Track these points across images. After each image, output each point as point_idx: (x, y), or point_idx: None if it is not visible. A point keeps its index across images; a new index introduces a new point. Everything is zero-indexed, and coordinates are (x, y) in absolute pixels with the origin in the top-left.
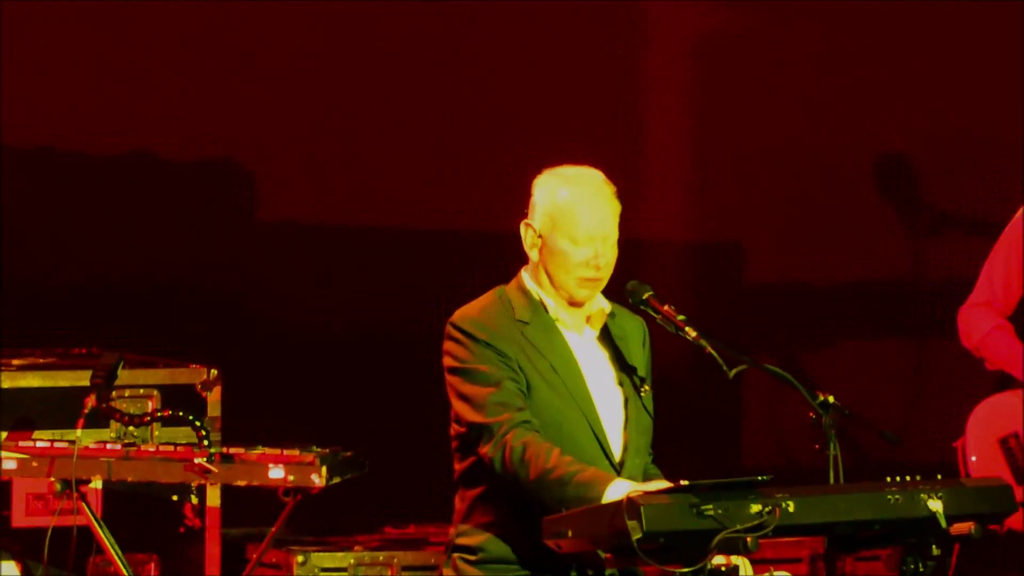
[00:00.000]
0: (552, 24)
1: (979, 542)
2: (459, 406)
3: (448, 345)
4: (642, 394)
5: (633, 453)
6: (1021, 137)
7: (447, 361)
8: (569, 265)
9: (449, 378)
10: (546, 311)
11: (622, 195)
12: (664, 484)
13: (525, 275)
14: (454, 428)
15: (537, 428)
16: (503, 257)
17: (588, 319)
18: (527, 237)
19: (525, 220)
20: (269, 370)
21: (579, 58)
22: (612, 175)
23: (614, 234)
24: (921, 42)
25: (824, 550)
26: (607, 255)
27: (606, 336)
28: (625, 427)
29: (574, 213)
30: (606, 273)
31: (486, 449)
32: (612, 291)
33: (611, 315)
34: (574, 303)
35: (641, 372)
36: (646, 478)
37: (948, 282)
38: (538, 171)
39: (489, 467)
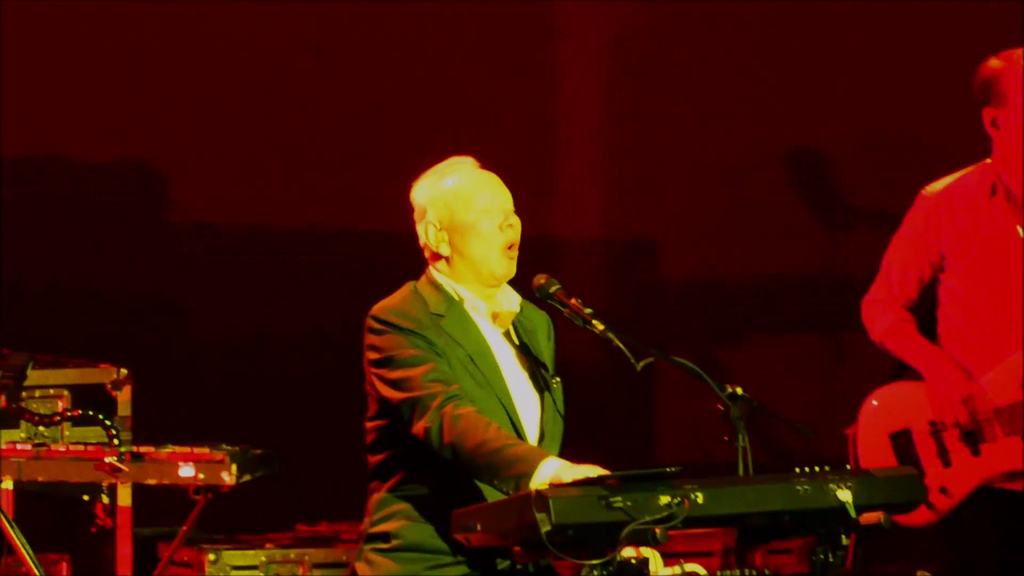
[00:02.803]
0: (465, 20)
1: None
2: (388, 391)
3: (372, 339)
4: (552, 387)
5: (549, 442)
6: (933, 131)
7: (371, 354)
8: (484, 235)
9: (375, 370)
10: (460, 303)
11: (535, 191)
12: (594, 468)
13: (434, 272)
14: (371, 422)
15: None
16: (413, 256)
17: (498, 316)
18: (431, 236)
19: (421, 223)
20: (180, 370)
21: (492, 55)
22: (525, 172)
23: (511, 198)
24: (834, 37)
25: (735, 542)
26: (515, 217)
27: (515, 330)
28: (541, 418)
29: (470, 192)
30: (518, 235)
31: (422, 422)
32: (519, 285)
33: (520, 310)
34: (494, 284)
35: (549, 366)
36: None
37: (862, 276)
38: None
39: (424, 439)
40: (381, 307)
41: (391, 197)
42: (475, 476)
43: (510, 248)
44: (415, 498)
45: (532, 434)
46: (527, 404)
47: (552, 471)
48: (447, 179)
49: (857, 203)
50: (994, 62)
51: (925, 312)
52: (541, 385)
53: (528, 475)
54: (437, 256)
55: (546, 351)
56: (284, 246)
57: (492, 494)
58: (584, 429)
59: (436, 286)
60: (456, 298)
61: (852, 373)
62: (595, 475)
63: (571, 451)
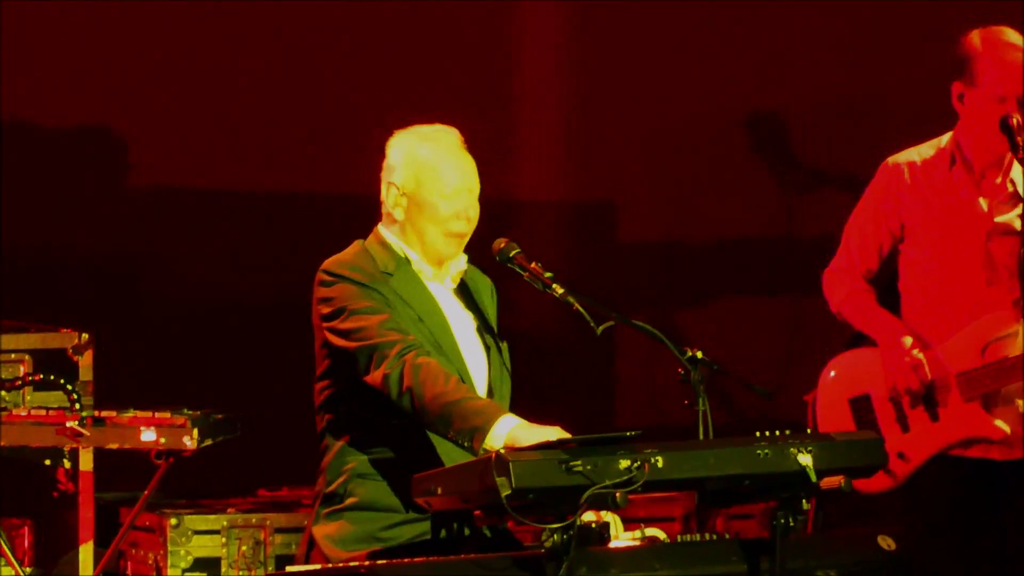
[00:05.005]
0: None
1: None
2: (342, 341)
3: (324, 291)
4: (500, 346)
5: (498, 400)
6: (893, 94)
7: (324, 307)
8: (439, 219)
9: (328, 323)
10: (408, 263)
11: (495, 155)
12: (554, 430)
13: (384, 231)
14: (322, 381)
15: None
16: (373, 220)
17: (445, 276)
18: (390, 196)
19: (386, 180)
20: (142, 335)
21: (450, 16)
22: (484, 134)
23: (479, 187)
24: (795, 1)
25: (696, 506)
26: (475, 207)
27: (461, 289)
28: (489, 376)
29: (439, 168)
30: (473, 227)
31: (380, 370)
32: (477, 250)
33: (465, 269)
34: (440, 261)
35: (495, 325)
36: None
37: (822, 239)
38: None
39: (381, 387)
40: (332, 261)
41: (351, 161)
42: (430, 426)
43: (460, 235)
44: (368, 456)
45: (481, 391)
46: (476, 363)
47: (509, 429)
48: (425, 147)
49: (816, 166)
50: (976, 40)
51: (888, 287)
52: (488, 344)
53: (483, 429)
54: (391, 216)
55: (492, 313)
56: (245, 210)
57: (446, 449)
58: (543, 393)
59: (384, 245)
60: (404, 258)
61: (811, 336)
62: (555, 438)
63: (531, 416)
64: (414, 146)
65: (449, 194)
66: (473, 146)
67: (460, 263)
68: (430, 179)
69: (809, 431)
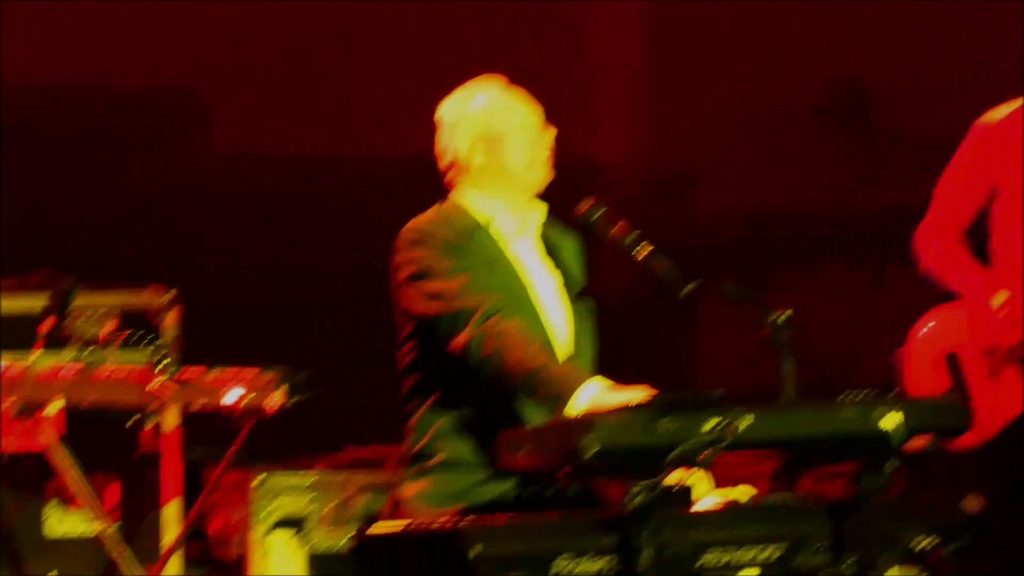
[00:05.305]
0: None
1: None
2: (426, 304)
3: (405, 254)
4: (584, 304)
5: (583, 361)
6: (977, 64)
7: (406, 270)
8: (523, 145)
9: (412, 284)
10: (489, 223)
11: (574, 123)
12: (637, 391)
13: (460, 193)
14: (406, 344)
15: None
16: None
17: (526, 231)
18: (463, 149)
19: (451, 138)
20: (227, 296)
21: None
22: (563, 102)
23: (542, 113)
24: None
25: (781, 467)
26: (547, 131)
27: (544, 248)
28: (572, 335)
29: (503, 104)
30: (551, 153)
31: (462, 335)
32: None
33: (545, 226)
34: (529, 192)
35: (580, 283)
36: None
37: (902, 208)
38: None
39: (463, 352)
40: (412, 224)
41: (432, 124)
42: (512, 392)
43: (544, 163)
44: (455, 415)
45: (564, 353)
46: (559, 323)
47: (592, 394)
48: (480, 94)
49: (897, 134)
50: None
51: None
52: (572, 303)
53: (566, 396)
54: (463, 173)
55: (576, 269)
56: (328, 173)
57: (530, 408)
58: (623, 358)
59: (462, 208)
60: (484, 217)
61: (892, 303)
62: (639, 399)
63: (611, 380)
64: (469, 96)
65: (522, 121)
66: (550, 111)
67: (538, 215)
68: (499, 114)
69: (896, 389)
